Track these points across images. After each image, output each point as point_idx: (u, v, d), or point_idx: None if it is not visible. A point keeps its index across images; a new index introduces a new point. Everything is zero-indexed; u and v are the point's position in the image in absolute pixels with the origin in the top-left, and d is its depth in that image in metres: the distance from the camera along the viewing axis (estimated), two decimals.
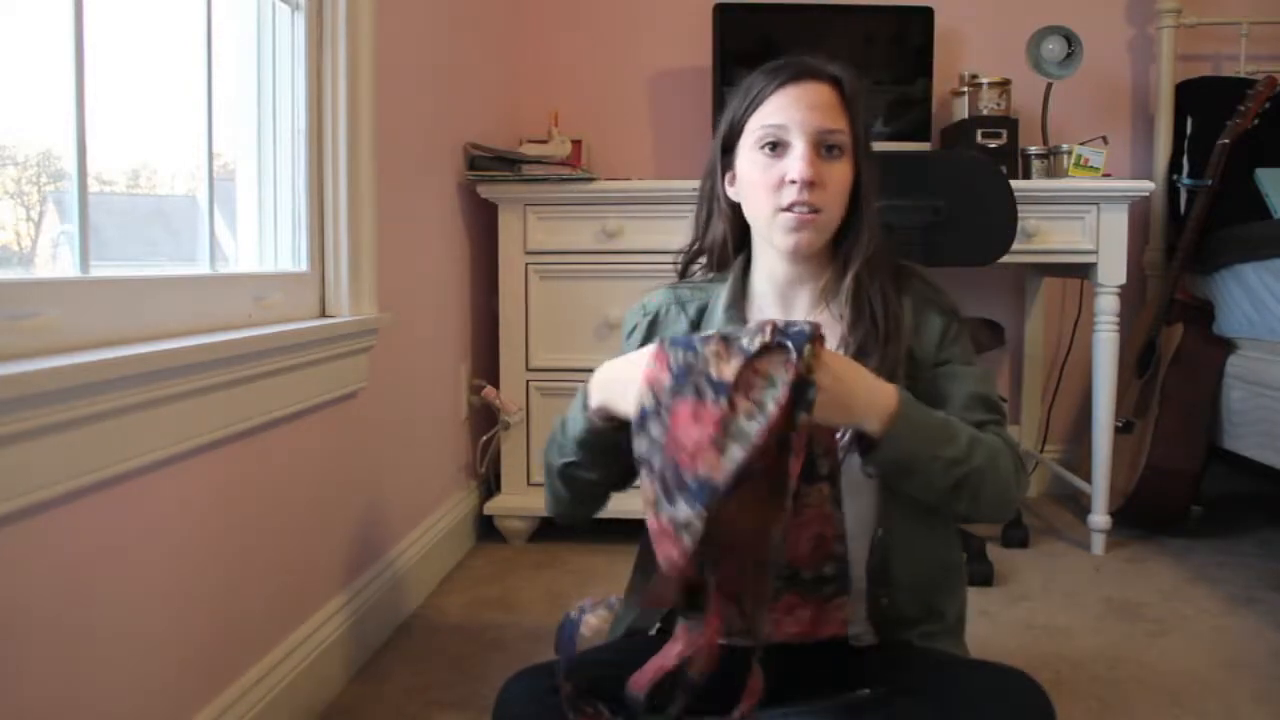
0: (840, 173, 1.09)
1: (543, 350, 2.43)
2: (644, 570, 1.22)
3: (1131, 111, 2.97)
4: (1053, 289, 2.96)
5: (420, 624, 1.94)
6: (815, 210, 1.08)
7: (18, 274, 1.18)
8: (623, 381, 0.96)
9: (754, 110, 1.11)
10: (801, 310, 1.17)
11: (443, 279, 2.29)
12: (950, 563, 1.18)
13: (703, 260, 1.24)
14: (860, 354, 1.10)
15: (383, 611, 1.83)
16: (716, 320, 1.18)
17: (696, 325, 1.19)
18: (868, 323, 1.11)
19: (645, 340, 1.18)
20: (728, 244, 1.20)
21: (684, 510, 0.85)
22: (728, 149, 1.16)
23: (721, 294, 1.19)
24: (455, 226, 2.37)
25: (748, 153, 1.12)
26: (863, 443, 1.01)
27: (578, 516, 1.18)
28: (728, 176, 1.17)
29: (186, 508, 1.22)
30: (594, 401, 1.02)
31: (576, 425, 1.05)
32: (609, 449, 1.03)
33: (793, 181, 1.07)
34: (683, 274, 1.25)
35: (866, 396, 0.98)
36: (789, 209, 1.08)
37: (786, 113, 1.08)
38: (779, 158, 1.09)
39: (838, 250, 1.14)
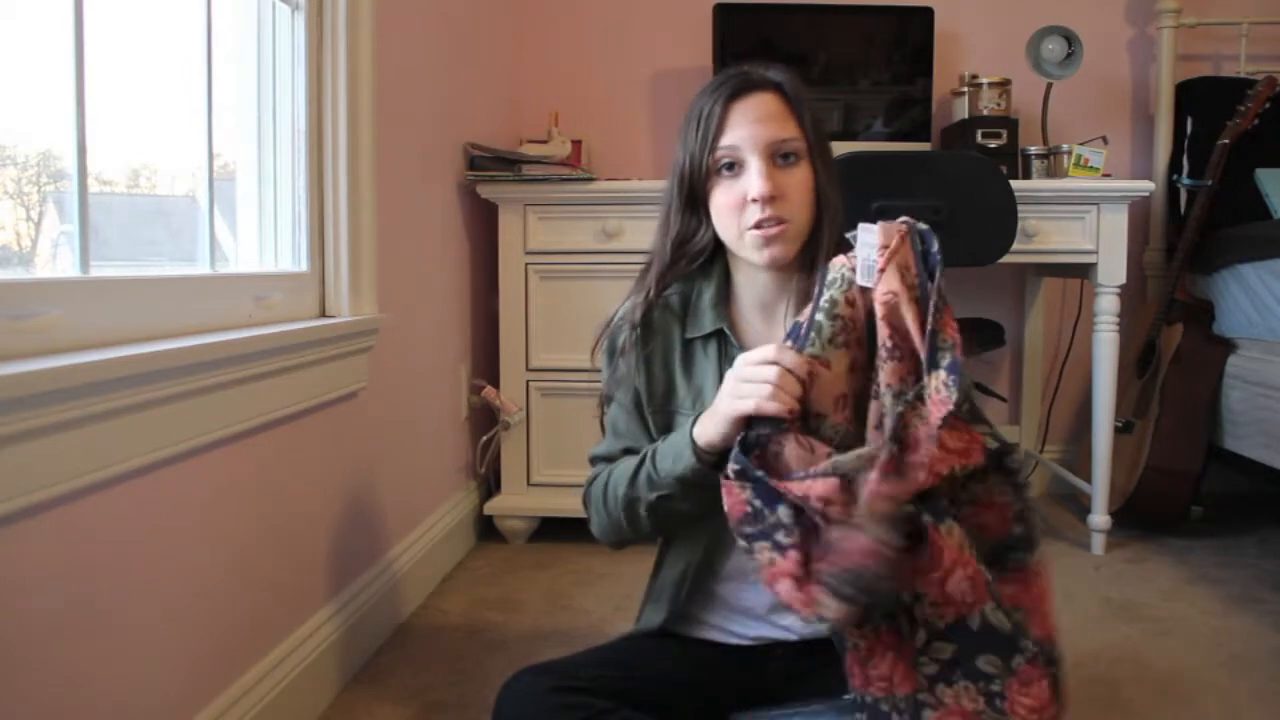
0: (799, 178, 1.11)
1: (543, 350, 2.43)
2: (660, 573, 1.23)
3: (1131, 111, 2.97)
4: (1053, 289, 2.96)
5: (420, 624, 1.94)
6: (782, 221, 1.09)
7: (18, 274, 1.18)
8: (723, 414, 0.99)
9: (709, 137, 1.10)
10: (781, 317, 1.18)
11: (443, 279, 2.29)
12: None
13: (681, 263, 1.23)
14: None
15: (382, 612, 1.83)
16: (704, 315, 1.18)
17: (682, 317, 1.19)
18: None
19: (642, 347, 1.18)
20: (708, 250, 1.19)
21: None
22: (696, 171, 1.13)
23: (707, 289, 1.19)
24: (455, 226, 2.37)
25: (712, 177, 1.12)
26: None
27: (640, 542, 1.20)
28: (709, 191, 1.14)
29: (186, 508, 1.22)
30: (702, 441, 1.03)
31: (680, 463, 1.05)
32: (709, 483, 1.05)
33: (754, 200, 1.08)
34: (660, 290, 1.21)
35: None
36: (756, 227, 1.09)
37: (737, 132, 1.09)
38: (737, 177, 1.10)
39: (807, 251, 1.15)
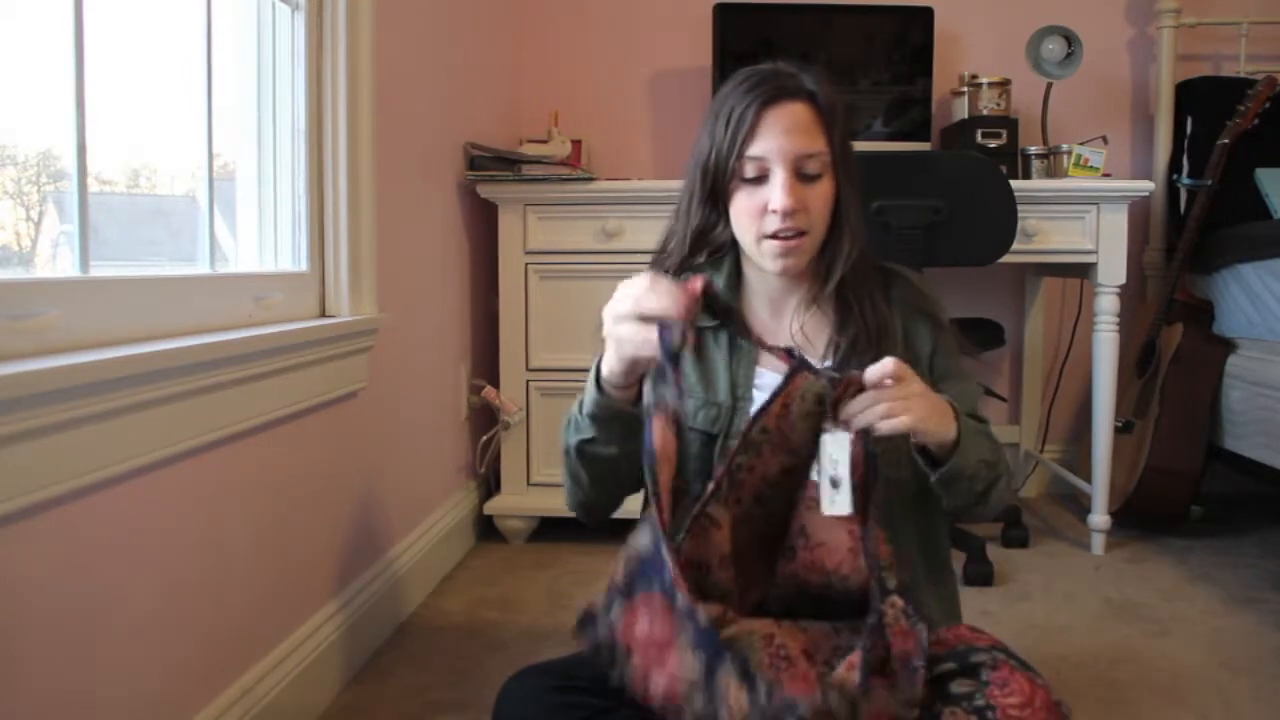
0: (821, 192, 1.11)
1: (543, 350, 2.43)
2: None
3: (1131, 111, 2.97)
4: (1053, 289, 2.96)
5: (420, 624, 1.94)
6: (800, 233, 1.10)
7: (18, 274, 1.18)
8: (611, 362, 1.01)
9: (738, 142, 1.11)
10: (790, 313, 1.18)
11: (443, 279, 2.29)
12: (938, 561, 1.19)
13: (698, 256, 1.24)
14: (851, 353, 1.12)
15: (382, 611, 1.83)
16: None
17: None
18: (856, 323, 1.14)
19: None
20: (726, 245, 1.20)
21: None
22: (720, 171, 1.14)
23: (717, 280, 1.19)
24: (455, 226, 2.37)
25: (735, 180, 1.13)
26: (925, 455, 1.03)
27: (598, 506, 1.18)
28: (731, 192, 1.15)
29: (186, 508, 1.22)
30: (605, 371, 1.03)
31: (588, 400, 1.07)
32: (623, 419, 1.05)
33: (774, 211, 1.09)
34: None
35: (943, 405, 1.01)
36: (773, 236, 1.10)
37: (766, 142, 1.09)
38: (760, 184, 1.11)
39: (822, 257, 1.16)
